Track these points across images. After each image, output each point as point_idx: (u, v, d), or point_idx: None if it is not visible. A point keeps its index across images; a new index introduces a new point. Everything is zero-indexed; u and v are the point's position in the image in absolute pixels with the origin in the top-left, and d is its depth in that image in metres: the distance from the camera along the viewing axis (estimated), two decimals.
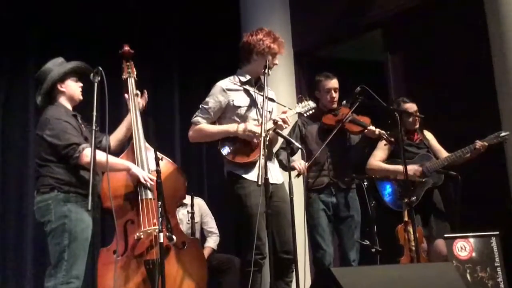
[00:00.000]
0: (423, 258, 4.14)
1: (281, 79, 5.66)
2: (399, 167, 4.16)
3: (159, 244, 3.15)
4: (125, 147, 3.73)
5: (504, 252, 3.99)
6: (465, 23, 5.07)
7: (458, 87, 5.07)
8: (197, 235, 5.10)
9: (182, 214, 5.03)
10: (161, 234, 3.13)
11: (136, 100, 3.73)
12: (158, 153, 3.36)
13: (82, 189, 3.34)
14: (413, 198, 4.09)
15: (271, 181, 3.40)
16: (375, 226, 4.22)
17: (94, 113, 3.05)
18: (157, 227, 3.24)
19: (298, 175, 3.93)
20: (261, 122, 3.42)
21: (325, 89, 4.31)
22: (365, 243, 4.13)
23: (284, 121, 3.54)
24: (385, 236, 4.29)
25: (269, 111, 3.64)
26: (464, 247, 3.97)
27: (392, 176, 4.36)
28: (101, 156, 3.24)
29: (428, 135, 4.65)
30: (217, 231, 5.29)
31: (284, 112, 3.63)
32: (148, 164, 3.58)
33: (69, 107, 3.57)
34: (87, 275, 3.35)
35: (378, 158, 4.55)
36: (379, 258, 4.13)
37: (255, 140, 3.48)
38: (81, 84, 3.59)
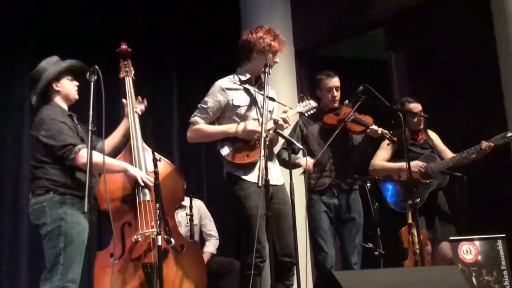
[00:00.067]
0: (428, 261, 4.09)
1: (282, 78, 5.63)
2: (403, 164, 4.07)
3: (157, 247, 3.11)
4: (122, 148, 3.68)
5: (510, 255, 3.96)
6: (470, 20, 5.04)
7: (463, 85, 5.05)
8: (196, 237, 5.04)
9: (180, 216, 4.97)
10: (159, 237, 3.09)
11: (133, 99, 3.69)
12: (156, 153, 3.32)
13: (78, 191, 3.27)
14: (417, 200, 4.02)
15: (271, 182, 3.35)
16: (379, 229, 4.18)
17: (91, 112, 3.02)
18: (155, 229, 3.21)
19: (303, 172, 3.87)
20: (262, 122, 3.36)
21: (326, 88, 4.26)
22: (368, 246, 4.10)
23: (285, 121, 3.49)
24: (388, 238, 4.26)
25: (270, 111, 3.60)
26: (470, 250, 3.94)
27: (395, 174, 4.29)
28: (97, 157, 3.18)
29: (433, 135, 4.59)
30: (216, 234, 5.24)
31: (285, 112, 3.58)
32: (146, 165, 3.53)
33: (65, 106, 3.50)
34: (84, 278, 3.31)
35: (381, 158, 4.49)
36: (383, 261, 4.11)
37: (255, 137, 3.43)
38: (76, 83, 3.54)
